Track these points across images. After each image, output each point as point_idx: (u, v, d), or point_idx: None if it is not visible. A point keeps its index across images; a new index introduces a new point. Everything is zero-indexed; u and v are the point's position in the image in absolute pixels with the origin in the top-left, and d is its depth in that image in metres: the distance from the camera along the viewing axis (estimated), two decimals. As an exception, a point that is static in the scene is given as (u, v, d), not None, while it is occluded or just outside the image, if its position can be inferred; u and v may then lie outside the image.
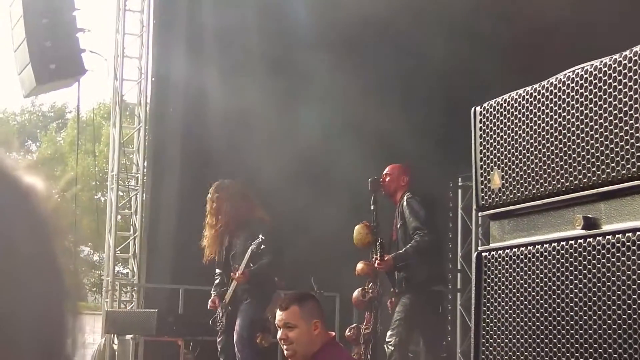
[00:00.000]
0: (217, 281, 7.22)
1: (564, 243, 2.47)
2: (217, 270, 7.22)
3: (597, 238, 2.36)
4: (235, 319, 6.94)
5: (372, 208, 6.76)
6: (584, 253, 2.39)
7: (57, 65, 9.17)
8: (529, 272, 2.59)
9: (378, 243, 6.62)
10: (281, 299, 4.50)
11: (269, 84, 9.40)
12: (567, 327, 2.42)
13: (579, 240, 2.42)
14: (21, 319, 0.69)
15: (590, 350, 2.34)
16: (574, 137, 2.46)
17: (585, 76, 2.45)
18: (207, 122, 9.74)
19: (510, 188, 2.71)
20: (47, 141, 31.87)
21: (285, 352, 4.19)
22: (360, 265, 6.79)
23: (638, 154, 2.25)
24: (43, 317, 0.70)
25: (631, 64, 2.29)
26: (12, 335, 0.68)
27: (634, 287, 2.22)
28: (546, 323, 2.50)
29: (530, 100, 2.65)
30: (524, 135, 2.66)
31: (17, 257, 0.69)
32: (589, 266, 2.37)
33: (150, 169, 10.13)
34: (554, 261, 2.50)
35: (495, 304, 2.71)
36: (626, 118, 2.29)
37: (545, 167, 2.57)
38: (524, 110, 2.67)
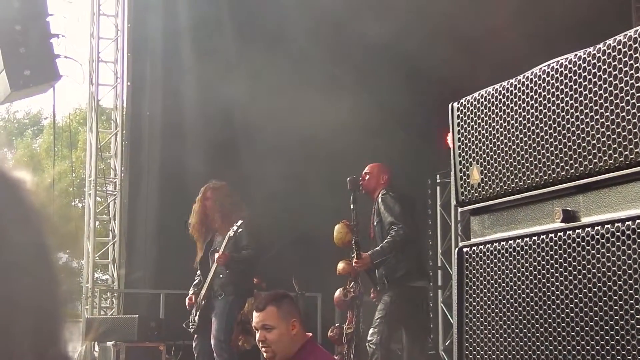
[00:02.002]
0: (196, 281, 7.22)
1: (544, 236, 2.48)
2: (198, 272, 7.23)
3: (577, 230, 2.37)
4: (209, 319, 6.91)
5: (351, 207, 6.77)
6: (564, 246, 2.40)
7: (31, 72, 9.10)
8: (510, 267, 2.59)
9: (354, 242, 6.62)
10: (257, 300, 4.46)
11: (246, 86, 9.38)
12: (550, 320, 2.43)
13: (559, 233, 2.42)
14: (13, 307, 0.68)
15: (573, 342, 2.35)
16: (551, 131, 2.47)
17: (560, 70, 2.46)
18: (184, 126, 9.72)
19: (490, 183, 2.71)
20: (23, 148, 31.62)
21: (265, 354, 4.10)
22: (341, 265, 6.80)
23: (614, 145, 2.26)
24: (36, 305, 0.70)
25: (605, 57, 2.30)
26: (5, 323, 0.67)
27: (614, 278, 2.23)
28: (528, 317, 2.51)
29: (507, 94, 2.66)
30: (502, 129, 2.67)
31: (9, 246, 0.69)
32: (569, 259, 2.38)
33: (128, 173, 10.08)
34: (534, 255, 2.50)
35: (478, 299, 2.71)
36: (602, 110, 2.30)
37: (523, 161, 2.58)
38: (501, 105, 2.68)
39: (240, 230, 6.72)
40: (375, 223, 6.84)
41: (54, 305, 0.73)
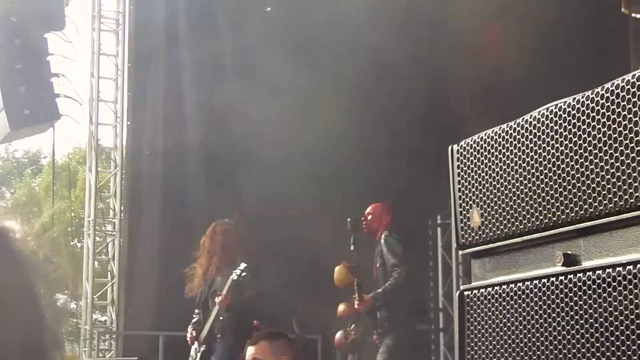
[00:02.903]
0: (195, 319, 7.18)
1: (545, 280, 2.47)
2: (196, 310, 7.19)
3: (578, 274, 2.36)
4: None
5: (352, 248, 6.76)
6: (565, 290, 2.39)
7: (31, 111, 9.14)
8: (512, 311, 2.58)
9: (356, 284, 6.61)
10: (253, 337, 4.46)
11: (247, 125, 9.40)
12: (551, 365, 2.41)
13: (560, 277, 2.41)
14: None
15: (575, 388, 2.32)
16: (551, 174, 2.47)
17: (559, 113, 2.46)
18: (184, 165, 9.72)
19: (490, 226, 2.71)
20: (22, 187, 31.63)
21: None
22: (341, 307, 6.77)
23: (614, 189, 2.26)
24: (20, 345, 0.69)
25: (604, 101, 2.31)
26: None
27: (616, 323, 2.22)
28: (530, 361, 2.49)
29: (506, 137, 2.66)
30: (502, 172, 2.67)
31: None
32: (571, 303, 2.36)
33: (127, 213, 10.07)
34: (535, 299, 2.49)
35: (479, 343, 2.69)
36: (601, 154, 2.31)
37: (523, 204, 2.58)
38: (501, 147, 2.68)
39: (244, 274, 6.68)
40: (378, 265, 6.83)
41: (39, 348, 0.73)
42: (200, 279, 7.09)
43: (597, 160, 2.32)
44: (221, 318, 6.91)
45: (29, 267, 0.75)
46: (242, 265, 6.68)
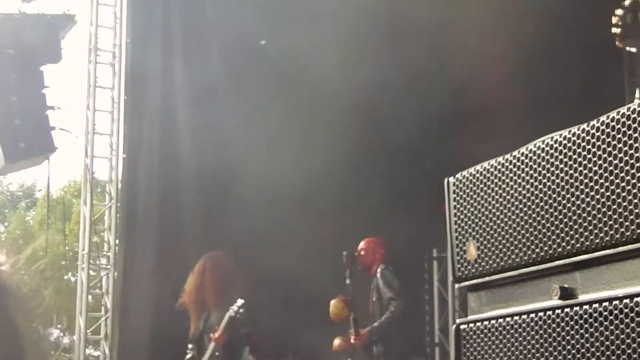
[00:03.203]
0: (189, 355, 7.11)
1: (541, 314, 2.45)
2: (190, 346, 7.12)
3: (574, 308, 2.34)
4: None
5: (347, 282, 6.73)
6: (562, 323, 2.37)
7: (26, 144, 9.12)
8: (508, 344, 2.56)
9: (352, 318, 6.58)
10: None
11: (242, 157, 9.39)
12: (549, 400, 2.39)
13: (557, 311, 2.40)
14: None
15: (573, 423, 2.30)
16: (547, 207, 2.47)
17: (555, 145, 2.46)
18: (180, 199, 9.69)
19: (486, 259, 2.70)
20: (16, 220, 31.52)
21: None
22: (337, 341, 6.73)
23: (610, 222, 2.26)
24: None
25: (598, 133, 2.31)
26: None
27: (613, 357, 2.20)
28: (527, 396, 2.47)
29: (502, 170, 2.66)
30: (498, 205, 2.66)
31: None
32: (568, 337, 2.35)
33: (122, 247, 10.01)
34: (532, 332, 2.47)
35: (475, 377, 2.67)
36: (597, 187, 2.30)
37: (519, 237, 2.57)
38: (497, 180, 2.68)
39: (241, 310, 6.64)
40: (374, 299, 6.81)
41: None
42: (196, 317, 7.04)
43: (592, 193, 2.32)
44: (217, 354, 6.86)
45: (11, 301, 0.73)
46: (239, 302, 6.63)
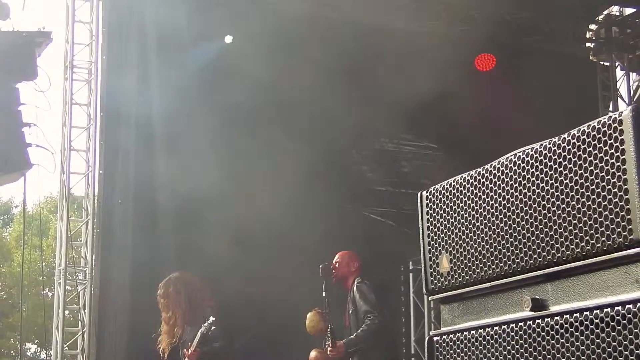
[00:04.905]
0: None
1: (513, 325, 2.48)
2: None
3: (546, 319, 2.37)
4: None
5: (323, 294, 6.74)
6: (534, 335, 2.40)
7: (2, 161, 9.06)
8: (481, 356, 2.58)
9: (329, 330, 6.59)
10: None
11: (218, 177, 9.38)
12: (521, 410, 2.41)
13: (528, 322, 2.43)
14: None
15: None
16: (518, 219, 2.49)
17: (527, 159, 2.49)
18: (156, 214, 9.67)
19: (459, 271, 2.72)
20: (-7, 237, 31.23)
21: None
22: (313, 353, 6.73)
23: (581, 234, 2.29)
24: None
25: (570, 147, 2.34)
26: None
27: (584, 367, 2.22)
28: (500, 407, 2.49)
29: (474, 183, 2.69)
30: (470, 218, 2.69)
31: None
32: (539, 347, 2.37)
33: (99, 262, 9.97)
34: (504, 344, 2.50)
35: (449, 389, 2.69)
36: (568, 199, 2.33)
37: (492, 249, 2.59)
38: (469, 193, 2.70)
39: (213, 327, 6.68)
40: (350, 311, 6.81)
41: None
42: (168, 335, 7.09)
43: (563, 206, 2.35)
44: None
45: None
46: (211, 319, 6.69)
